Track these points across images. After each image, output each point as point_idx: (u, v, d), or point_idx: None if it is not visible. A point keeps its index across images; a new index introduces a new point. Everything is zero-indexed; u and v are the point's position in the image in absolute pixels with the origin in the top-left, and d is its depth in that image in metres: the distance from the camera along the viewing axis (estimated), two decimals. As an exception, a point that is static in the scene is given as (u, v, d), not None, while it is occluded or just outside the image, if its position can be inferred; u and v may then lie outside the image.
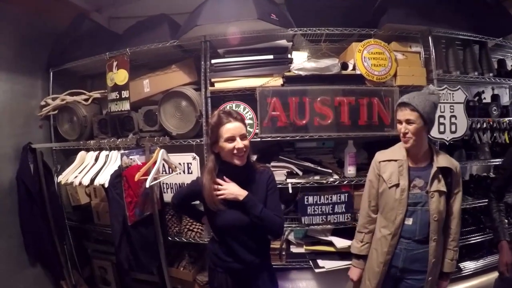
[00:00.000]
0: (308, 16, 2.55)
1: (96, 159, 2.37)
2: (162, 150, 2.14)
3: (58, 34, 2.98)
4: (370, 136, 2.41)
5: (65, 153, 2.96)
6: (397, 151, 1.92)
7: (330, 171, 2.41)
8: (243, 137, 1.63)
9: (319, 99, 2.29)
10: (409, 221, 1.82)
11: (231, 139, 1.61)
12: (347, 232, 2.43)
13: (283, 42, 2.35)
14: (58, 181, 2.47)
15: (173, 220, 2.55)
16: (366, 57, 2.40)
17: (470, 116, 2.58)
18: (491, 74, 2.76)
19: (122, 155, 2.10)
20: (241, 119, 1.67)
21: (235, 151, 1.61)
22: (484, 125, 2.68)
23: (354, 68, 2.41)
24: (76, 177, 2.34)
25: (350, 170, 2.41)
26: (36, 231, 2.66)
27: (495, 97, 3.03)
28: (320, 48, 2.54)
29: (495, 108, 2.78)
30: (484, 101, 2.98)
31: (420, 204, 1.82)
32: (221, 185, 1.66)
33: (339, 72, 2.34)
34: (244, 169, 1.67)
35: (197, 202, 1.90)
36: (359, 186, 2.43)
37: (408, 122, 1.79)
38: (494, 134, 2.74)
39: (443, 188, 1.80)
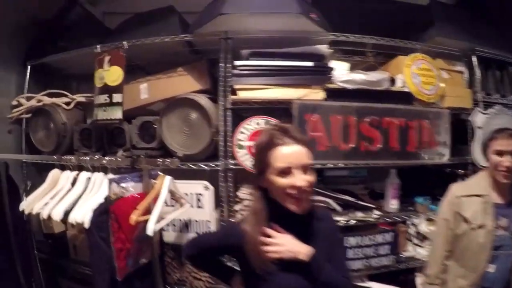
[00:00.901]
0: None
1: (74, 182, 1.58)
2: (169, 177, 1.39)
3: (42, 23, 2.13)
4: (413, 164, 1.78)
5: (38, 167, 2.05)
6: (479, 184, 1.41)
7: (373, 206, 1.73)
8: (306, 169, 0.94)
9: (368, 119, 1.61)
10: (491, 268, 1.36)
11: (286, 171, 0.92)
12: (386, 276, 1.78)
13: (323, 48, 1.68)
14: (21, 208, 1.64)
15: (173, 264, 1.69)
16: (415, 73, 1.79)
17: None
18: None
19: (110, 181, 1.34)
20: (304, 142, 0.97)
21: (291, 191, 0.92)
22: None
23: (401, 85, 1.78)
24: (46, 204, 1.53)
25: (393, 205, 1.75)
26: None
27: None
28: (355, 61, 1.91)
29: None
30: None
31: (502, 248, 1.36)
32: (272, 237, 0.96)
33: (388, 88, 1.73)
34: (304, 214, 0.97)
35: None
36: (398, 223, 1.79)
37: None
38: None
39: None
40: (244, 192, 1.58)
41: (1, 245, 1.85)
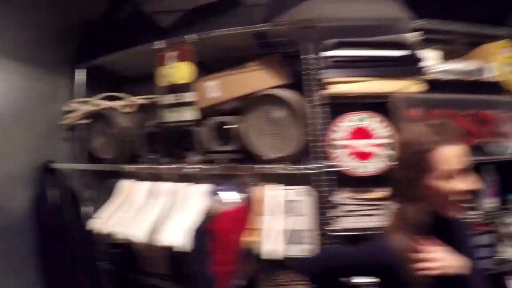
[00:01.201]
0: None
1: (153, 195, 1.36)
2: (276, 186, 1.18)
3: (92, 22, 1.94)
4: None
5: (100, 175, 1.84)
6: None
7: (472, 205, 1.58)
8: (469, 170, 0.81)
9: (467, 112, 1.42)
10: None
11: (453, 174, 0.79)
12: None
13: (409, 36, 1.50)
14: (91, 227, 1.42)
15: (264, 280, 1.46)
16: (505, 62, 1.63)
17: None
18: None
19: (211, 193, 1.13)
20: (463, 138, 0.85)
21: (459, 196, 0.80)
22: None
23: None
24: (122, 221, 1.32)
25: (491, 203, 1.57)
26: (61, 280, 1.64)
27: None
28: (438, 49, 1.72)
29: None
30: None
31: None
32: (429, 252, 0.80)
33: (482, 78, 1.55)
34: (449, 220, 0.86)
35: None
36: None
37: None
38: None
39: None
40: (340, 197, 1.39)
41: (66, 258, 1.65)
